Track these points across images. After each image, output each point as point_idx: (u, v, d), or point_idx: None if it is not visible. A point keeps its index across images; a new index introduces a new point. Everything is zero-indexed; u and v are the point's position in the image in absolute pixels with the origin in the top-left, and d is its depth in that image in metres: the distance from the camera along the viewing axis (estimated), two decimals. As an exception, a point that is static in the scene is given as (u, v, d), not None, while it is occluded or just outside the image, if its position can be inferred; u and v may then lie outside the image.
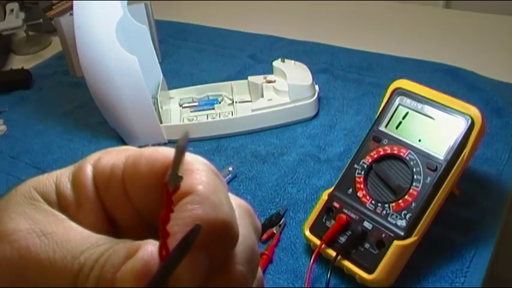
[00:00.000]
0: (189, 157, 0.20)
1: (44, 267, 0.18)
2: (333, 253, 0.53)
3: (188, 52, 1.05)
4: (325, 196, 0.57)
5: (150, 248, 0.17)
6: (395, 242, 0.50)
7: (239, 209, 0.20)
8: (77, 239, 0.19)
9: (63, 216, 0.20)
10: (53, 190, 0.21)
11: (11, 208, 0.20)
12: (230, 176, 0.70)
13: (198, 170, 0.19)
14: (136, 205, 0.21)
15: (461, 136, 0.51)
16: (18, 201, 0.20)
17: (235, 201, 0.20)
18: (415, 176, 0.52)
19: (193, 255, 0.17)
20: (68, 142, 0.83)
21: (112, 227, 0.22)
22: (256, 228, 0.20)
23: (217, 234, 0.17)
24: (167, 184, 0.17)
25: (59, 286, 0.18)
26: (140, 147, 0.22)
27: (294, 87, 0.78)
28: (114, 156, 0.22)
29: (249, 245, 0.19)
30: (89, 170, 0.22)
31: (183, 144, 0.18)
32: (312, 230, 0.57)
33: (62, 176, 0.22)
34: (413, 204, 0.51)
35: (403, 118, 0.56)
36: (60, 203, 0.21)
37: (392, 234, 0.51)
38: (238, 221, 0.19)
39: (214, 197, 0.18)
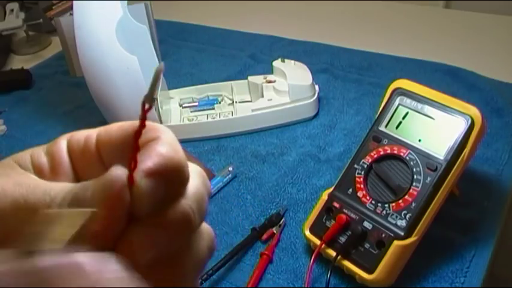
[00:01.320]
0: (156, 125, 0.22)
1: (19, 205, 0.20)
2: (333, 253, 0.53)
3: (188, 52, 1.05)
4: (325, 196, 0.57)
5: (119, 167, 0.19)
6: (395, 242, 0.50)
7: (194, 168, 0.23)
8: (47, 183, 0.21)
9: (36, 177, 0.22)
10: (29, 160, 0.23)
11: None
12: (230, 176, 0.70)
13: (164, 134, 0.22)
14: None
15: (461, 136, 0.51)
16: (5, 163, 0.23)
17: (192, 165, 0.23)
18: (415, 176, 0.52)
19: (154, 181, 0.19)
20: (68, 142, 0.82)
21: None
22: (207, 188, 0.23)
23: (174, 169, 0.20)
24: (144, 101, 0.20)
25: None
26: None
27: (294, 87, 0.78)
28: (87, 130, 0.24)
29: (199, 194, 0.22)
30: (63, 142, 0.24)
31: (160, 68, 0.21)
32: (312, 230, 0.57)
33: (38, 149, 0.24)
34: (413, 204, 0.51)
35: (403, 118, 0.56)
36: (35, 172, 0.23)
37: (392, 234, 0.51)
38: (192, 175, 0.22)
39: (175, 144, 0.21)
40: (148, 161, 0.20)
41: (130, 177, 0.19)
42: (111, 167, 0.20)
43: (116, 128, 0.23)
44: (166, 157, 0.20)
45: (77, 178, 0.23)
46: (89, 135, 0.23)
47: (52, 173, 0.23)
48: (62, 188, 0.21)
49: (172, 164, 0.20)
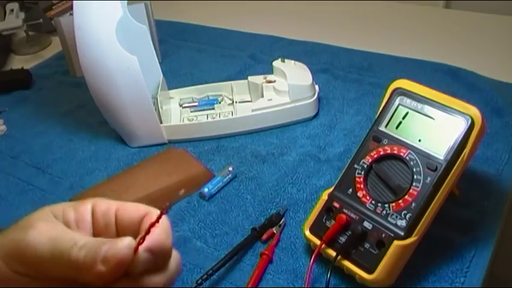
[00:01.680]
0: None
1: (51, 244, 0.29)
2: (333, 253, 0.53)
3: (188, 52, 1.05)
4: (325, 196, 0.57)
5: (131, 238, 0.29)
6: (395, 242, 0.50)
7: (175, 254, 0.32)
8: (74, 233, 0.30)
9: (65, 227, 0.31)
10: (60, 214, 0.32)
11: (34, 219, 0.31)
12: (230, 176, 0.70)
13: (163, 223, 0.31)
14: (120, 234, 0.31)
15: (461, 136, 0.51)
16: (39, 216, 0.31)
17: (174, 252, 0.32)
18: (415, 176, 0.52)
19: (150, 255, 0.28)
20: (68, 142, 0.83)
21: None
22: (178, 270, 0.32)
23: (164, 251, 0.30)
24: (162, 212, 0.30)
25: (59, 255, 0.28)
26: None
27: (294, 87, 0.78)
28: (108, 201, 0.33)
29: (171, 274, 0.31)
30: (89, 205, 0.32)
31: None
32: (312, 230, 0.57)
33: (69, 206, 0.32)
34: (413, 204, 0.51)
35: (403, 118, 0.56)
36: (64, 223, 0.31)
37: (392, 234, 0.51)
38: (172, 259, 0.31)
39: (169, 231, 0.31)
40: (150, 241, 0.29)
41: (136, 248, 0.28)
42: (124, 235, 0.28)
43: (132, 209, 0.32)
44: (161, 242, 0.29)
45: (94, 235, 0.32)
46: (109, 207, 0.32)
47: (76, 226, 0.32)
48: (84, 237, 0.29)
49: (164, 247, 0.30)
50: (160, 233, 0.29)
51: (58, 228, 0.30)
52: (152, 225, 0.29)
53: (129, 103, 0.74)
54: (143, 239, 0.28)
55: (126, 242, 0.27)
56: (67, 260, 0.28)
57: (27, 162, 0.79)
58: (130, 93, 0.73)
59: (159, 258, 0.29)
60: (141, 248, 0.28)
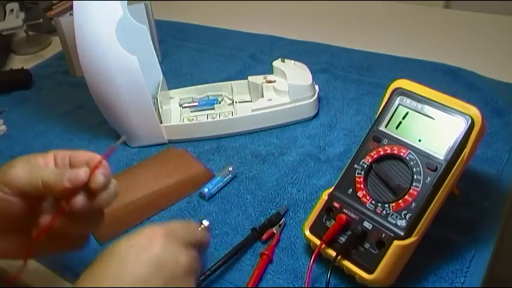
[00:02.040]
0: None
1: (29, 174, 0.44)
2: (333, 253, 0.53)
3: (188, 52, 1.05)
4: (325, 196, 0.57)
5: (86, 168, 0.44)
6: (395, 242, 0.50)
7: (114, 180, 0.48)
8: (43, 168, 0.46)
9: None
10: (34, 159, 0.46)
11: (15, 161, 0.45)
12: (230, 176, 0.70)
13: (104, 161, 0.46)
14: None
15: (461, 136, 0.51)
16: (19, 159, 0.45)
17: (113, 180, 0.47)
18: (415, 176, 0.52)
19: (102, 176, 0.44)
20: (68, 142, 0.83)
21: None
22: (116, 191, 0.47)
23: (108, 174, 0.45)
24: (102, 158, 0.45)
25: (36, 181, 0.43)
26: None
27: (294, 87, 0.78)
28: (65, 150, 0.47)
29: (110, 193, 0.46)
30: (51, 154, 0.46)
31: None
32: (312, 230, 0.57)
33: (39, 154, 0.46)
34: (413, 204, 0.51)
35: (403, 118, 0.56)
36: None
37: (392, 234, 0.51)
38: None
39: (108, 165, 0.46)
40: (100, 170, 0.44)
41: (93, 171, 0.43)
42: (80, 167, 0.43)
43: (81, 154, 0.46)
44: (108, 169, 0.45)
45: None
46: (65, 154, 0.47)
47: (44, 167, 0.46)
48: (51, 168, 0.45)
49: (109, 173, 0.44)
50: (105, 164, 0.44)
51: (32, 166, 0.45)
52: (104, 157, 0.44)
53: (129, 103, 0.74)
54: (97, 167, 0.43)
55: (84, 168, 0.43)
56: (41, 183, 0.42)
57: (27, 162, 0.79)
58: (131, 93, 0.73)
59: (107, 176, 0.44)
60: (98, 171, 0.43)
